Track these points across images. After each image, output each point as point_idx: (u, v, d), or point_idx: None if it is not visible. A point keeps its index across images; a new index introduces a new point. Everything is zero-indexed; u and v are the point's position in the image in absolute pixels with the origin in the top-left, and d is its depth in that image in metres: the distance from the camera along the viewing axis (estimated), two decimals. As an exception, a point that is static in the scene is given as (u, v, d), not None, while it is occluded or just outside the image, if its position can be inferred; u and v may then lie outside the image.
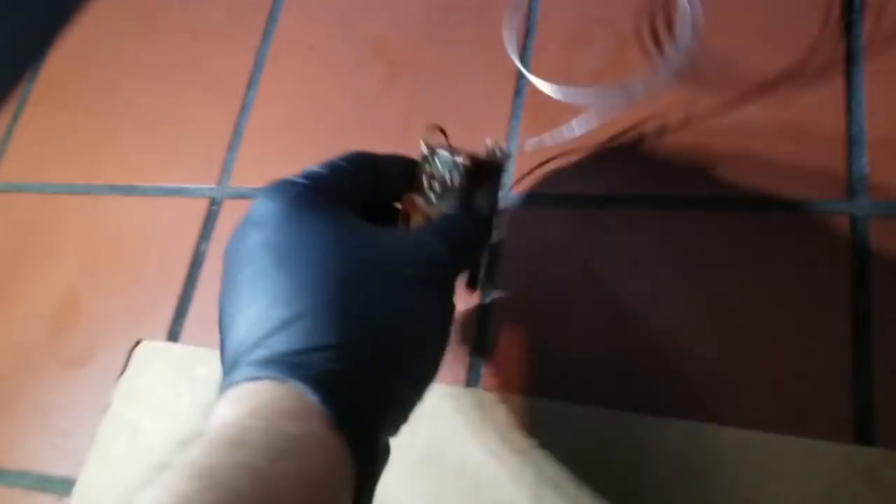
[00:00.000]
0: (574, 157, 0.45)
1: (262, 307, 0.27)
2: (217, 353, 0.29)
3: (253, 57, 0.57)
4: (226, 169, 0.53)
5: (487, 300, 0.34)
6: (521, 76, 0.48)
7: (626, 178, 0.44)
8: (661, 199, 0.43)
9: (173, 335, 0.49)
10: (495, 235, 0.35)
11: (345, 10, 0.57)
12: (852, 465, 0.34)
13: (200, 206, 0.53)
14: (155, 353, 0.48)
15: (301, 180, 0.30)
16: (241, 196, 0.52)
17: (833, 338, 0.37)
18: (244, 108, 0.55)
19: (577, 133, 0.44)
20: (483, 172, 0.36)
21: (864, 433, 0.35)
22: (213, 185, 0.53)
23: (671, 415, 0.37)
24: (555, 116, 0.46)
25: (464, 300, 0.41)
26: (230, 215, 0.52)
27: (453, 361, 0.42)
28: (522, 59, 0.49)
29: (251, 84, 0.56)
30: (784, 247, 0.40)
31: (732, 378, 0.38)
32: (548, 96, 0.45)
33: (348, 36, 0.56)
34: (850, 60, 0.42)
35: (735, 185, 0.42)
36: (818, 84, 0.42)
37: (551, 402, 0.39)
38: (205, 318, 0.49)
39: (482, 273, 0.39)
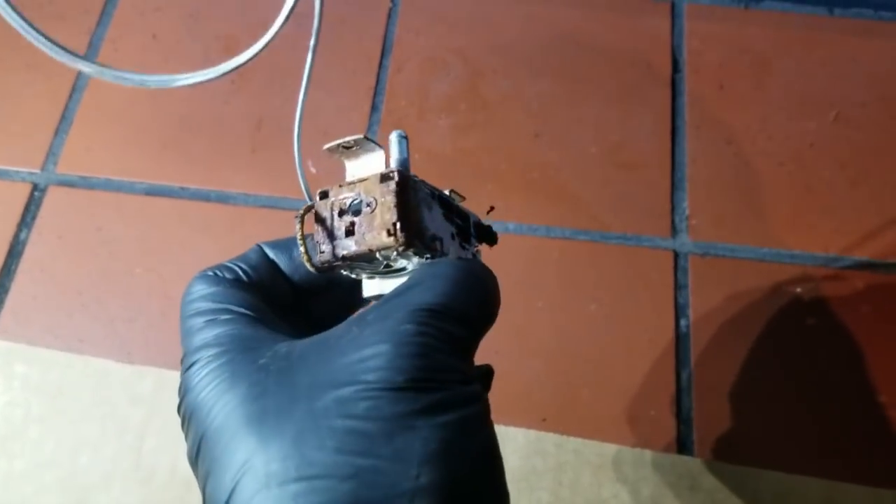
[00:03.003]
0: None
1: None
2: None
3: (88, 38, 0.54)
4: (52, 153, 0.50)
5: None
6: (377, 93, 0.50)
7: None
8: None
9: (-14, 330, 0.45)
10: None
11: (192, 3, 0.55)
12: (677, 473, 0.40)
13: (21, 192, 0.49)
14: (-36, 349, 0.44)
15: (243, 311, 0.22)
16: (69, 184, 0.49)
17: (663, 366, 0.43)
18: (75, 90, 0.52)
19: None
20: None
21: (685, 446, 0.41)
22: (37, 170, 0.49)
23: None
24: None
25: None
26: (56, 203, 0.48)
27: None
28: (378, 77, 0.51)
29: (84, 66, 0.53)
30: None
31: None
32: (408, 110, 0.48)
33: (196, 30, 0.54)
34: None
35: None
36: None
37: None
38: (24, 312, 0.45)
39: None
